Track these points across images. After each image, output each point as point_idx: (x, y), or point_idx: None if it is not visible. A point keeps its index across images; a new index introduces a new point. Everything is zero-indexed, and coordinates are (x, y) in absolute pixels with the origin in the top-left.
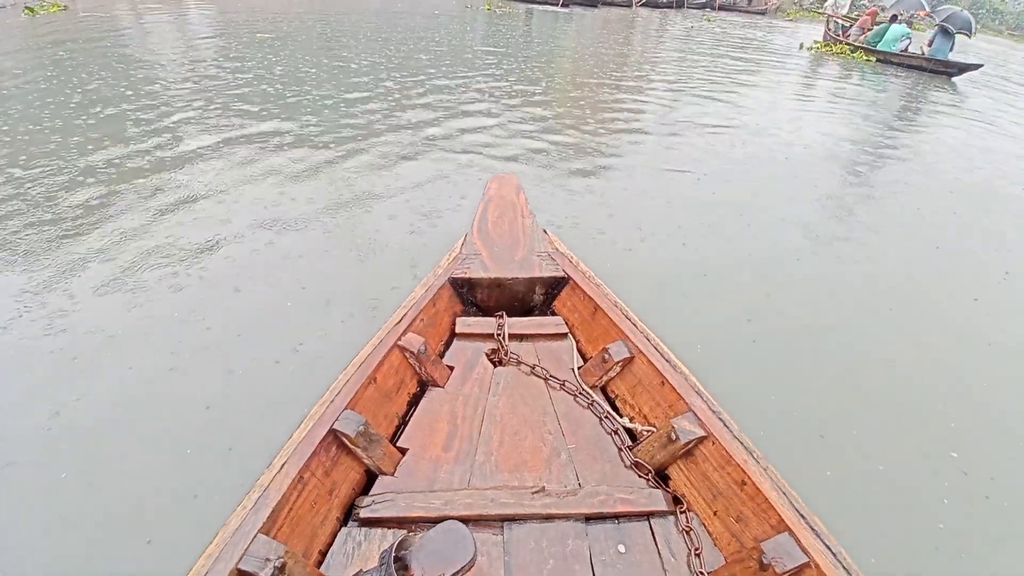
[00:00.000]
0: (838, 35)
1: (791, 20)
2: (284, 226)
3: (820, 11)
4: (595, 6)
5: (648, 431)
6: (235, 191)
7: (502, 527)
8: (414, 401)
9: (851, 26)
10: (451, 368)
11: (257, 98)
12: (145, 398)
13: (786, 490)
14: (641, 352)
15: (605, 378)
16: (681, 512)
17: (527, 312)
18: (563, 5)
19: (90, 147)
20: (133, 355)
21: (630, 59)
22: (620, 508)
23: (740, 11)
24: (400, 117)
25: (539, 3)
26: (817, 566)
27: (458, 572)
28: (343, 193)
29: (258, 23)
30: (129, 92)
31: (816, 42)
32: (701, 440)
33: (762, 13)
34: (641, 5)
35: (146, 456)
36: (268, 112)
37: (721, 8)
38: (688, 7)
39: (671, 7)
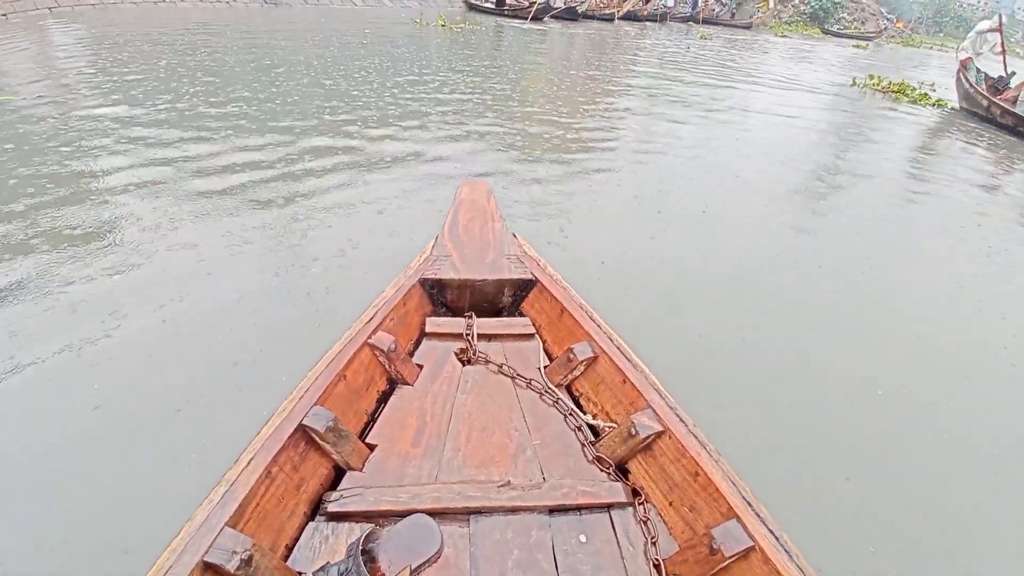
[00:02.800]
0: (979, 92)
1: (781, 35)
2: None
3: (808, 26)
4: (575, 19)
5: (610, 427)
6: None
7: (468, 520)
8: (383, 398)
9: (1010, 79)
10: (420, 367)
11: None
12: None
13: (735, 480)
14: (604, 352)
15: (570, 377)
16: (639, 503)
17: (496, 313)
18: (534, 19)
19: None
20: None
21: (628, 118)
22: (582, 500)
23: (724, 24)
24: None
25: (510, 17)
26: (761, 550)
27: (424, 564)
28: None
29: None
30: None
31: (891, 84)
32: (659, 435)
33: (747, 27)
34: (622, 18)
35: None
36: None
37: (705, 22)
38: (671, 20)
39: (654, 20)
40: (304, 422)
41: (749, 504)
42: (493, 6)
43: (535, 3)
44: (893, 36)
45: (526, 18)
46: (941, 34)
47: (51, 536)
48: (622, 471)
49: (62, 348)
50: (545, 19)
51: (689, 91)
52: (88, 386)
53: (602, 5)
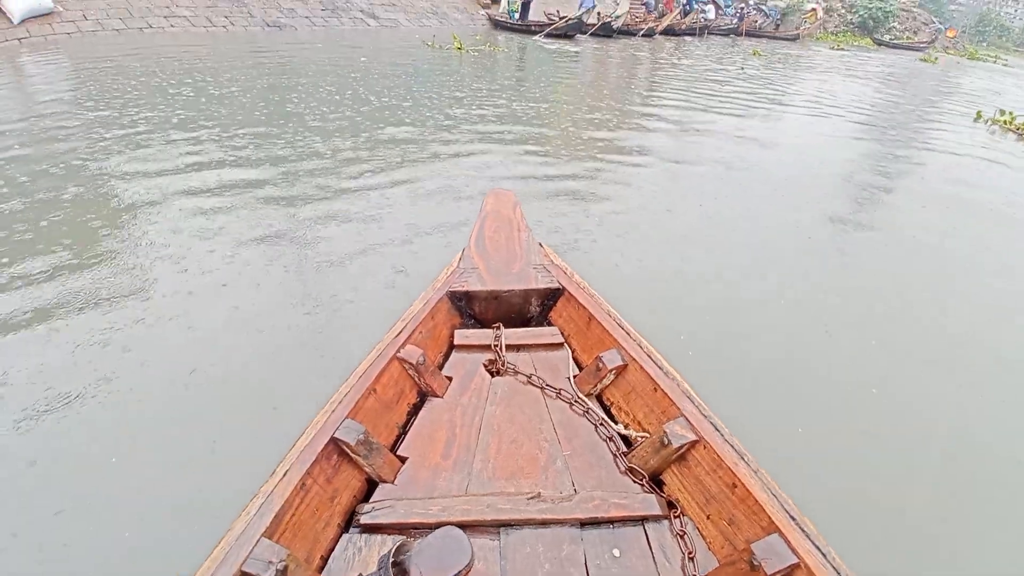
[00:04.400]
0: None
1: (837, 48)
2: None
3: (857, 36)
4: (610, 36)
5: (642, 437)
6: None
7: (499, 532)
8: (413, 411)
9: None
10: (449, 379)
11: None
12: None
13: (776, 492)
14: (634, 359)
15: (600, 386)
16: (675, 516)
17: (524, 323)
18: (565, 36)
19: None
20: None
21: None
22: (615, 513)
23: (768, 37)
24: None
25: (535, 34)
26: (807, 567)
27: None
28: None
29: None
30: None
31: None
32: (693, 444)
33: (793, 39)
34: (660, 32)
35: None
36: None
37: (748, 35)
38: (711, 33)
39: (692, 34)
40: (336, 435)
41: (792, 518)
42: (519, 23)
43: (566, 19)
44: (947, 46)
45: (555, 35)
46: (984, 43)
47: None
48: (656, 482)
49: None
50: (577, 37)
51: (770, 128)
52: None
53: (638, 19)
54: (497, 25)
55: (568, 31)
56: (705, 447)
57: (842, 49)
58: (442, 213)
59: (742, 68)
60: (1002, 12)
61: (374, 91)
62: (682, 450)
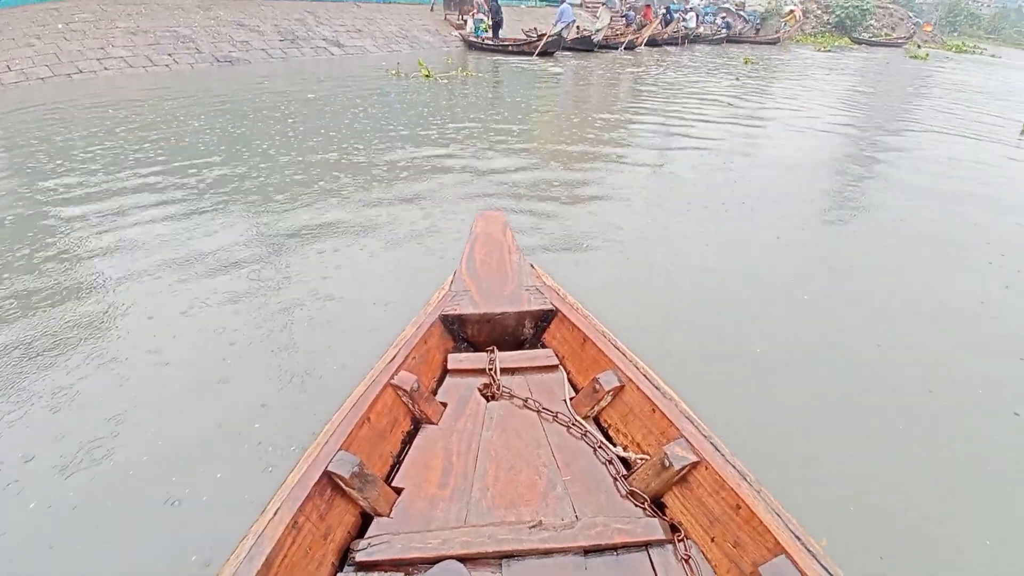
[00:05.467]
0: None
1: (824, 50)
2: None
3: (835, 36)
4: (590, 50)
5: (641, 459)
6: None
7: (500, 564)
8: (408, 439)
9: None
10: (444, 405)
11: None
12: None
13: (780, 512)
14: (631, 380)
15: (597, 408)
16: (679, 540)
17: (518, 346)
18: (544, 54)
19: None
20: None
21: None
22: (618, 539)
23: (749, 42)
24: None
25: (514, 54)
26: None
27: None
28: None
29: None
30: None
31: None
32: (694, 466)
33: (773, 43)
34: (644, 44)
35: None
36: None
37: (729, 41)
38: (692, 42)
39: (674, 44)
40: (329, 468)
41: (798, 539)
42: (493, 43)
43: (544, 36)
44: (925, 40)
45: (532, 53)
46: (955, 33)
47: None
48: (658, 505)
49: None
50: (557, 54)
51: (802, 150)
52: None
53: (618, 32)
54: (471, 46)
55: (547, 48)
56: (707, 468)
57: (828, 50)
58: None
59: (737, 79)
60: (970, 1)
61: (313, 136)
62: (683, 472)
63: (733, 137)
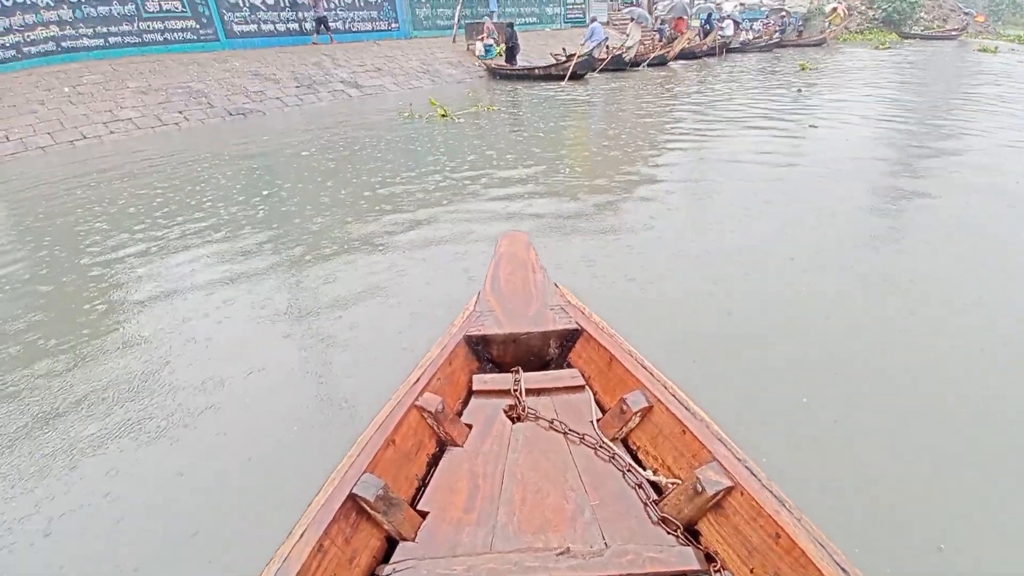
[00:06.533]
0: None
1: (883, 47)
2: None
3: (883, 32)
4: (622, 70)
5: (673, 483)
6: None
7: None
8: (433, 462)
9: None
10: (469, 426)
11: None
12: None
13: (824, 542)
14: (660, 401)
15: (625, 429)
16: (715, 571)
17: (543, 366)
18: (574, 77)
19: None
20: None
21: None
22: (649, 568)
23: (793, 45)
24: None
25: (541, 79)
26: None
27: None
28: None
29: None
30: None
31: None
32: (729, 491)
33: (819, 44)
34: (676, 58)
35: None
36: None
37: (771, 47)
38: (730, 51)
39: (712, 55)
40: (354, 491)
41: (844, 571)
42: (519, 69)
43: (573, 56)
44: (980, 31)
45: (562, 76)
46: (1000, 23)
47: None
48: (692, 533)
49: None
50: (587, 76)
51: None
52: None
53: (648, 49)
54: (496, 75)
55: (578, 70)
56: (742, 493)
57: (887, 47)
58: None
59: (799, 90)
60: None
61: (283, 218)
62: (717, 497)
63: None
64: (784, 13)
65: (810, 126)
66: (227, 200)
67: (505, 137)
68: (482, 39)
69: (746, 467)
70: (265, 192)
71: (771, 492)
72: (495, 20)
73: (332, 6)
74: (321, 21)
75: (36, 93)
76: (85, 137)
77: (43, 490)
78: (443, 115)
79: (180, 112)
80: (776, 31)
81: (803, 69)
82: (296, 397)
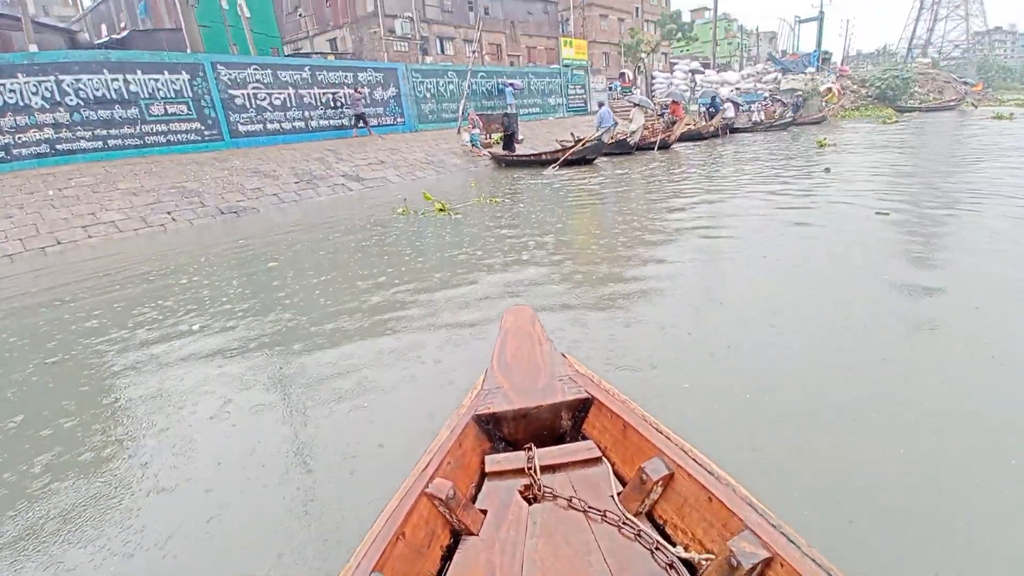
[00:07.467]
0: None
1: (890, 122)
2: None
3: (879, 107)
4: (629, 153)
5: (706, 560)
6: None
7: None
8: (447, 555)
9: None
10: (484, 512)
11: None
12: None
13: None
14: (680, 467)
15: (648, 502)
16: None
17: (557, 440)
18: (586, 162)
19: None
20: None
21: None
22: None
23: (793, 124)
24: None
25: (547, 165)
26: None
27: None
28: None
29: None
30: None
31: None
32: (767, 563)
33: (818, 122)
34: (681, 139)
35: None
36: None
37: (771, 127)
38: (733, 132)
39: (716, 136)
40: None
41: None
42: (526, 156)
43: (583, 141)
44: (979, 99)
45: (575, 161)
46: (990, 88)
47: None
48: None
49: None
50: (595, 162)
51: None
52: None
53: (652, 133)
54: (503, 163)
55: (587, 155)
56: (782, 564)
57: (895, 121)
58: None
59: (827, 169)
60: (994, 55)
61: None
62: (755, 571)
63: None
64: (799, 93)
65: (877, 213)
66: (164, 313)
67: (508, 233)
68: (468, 129)
69: (783, 534)
70: (193, 323)
71: (814, 560)
72: (509, 111)
73: (369, 103)
74: (360, 117)
75: (17, 197)
76: (59, 243)
77: None
78: (441, 209)
79: (168, 213)
80: (783, 109)
81: (821, 146)
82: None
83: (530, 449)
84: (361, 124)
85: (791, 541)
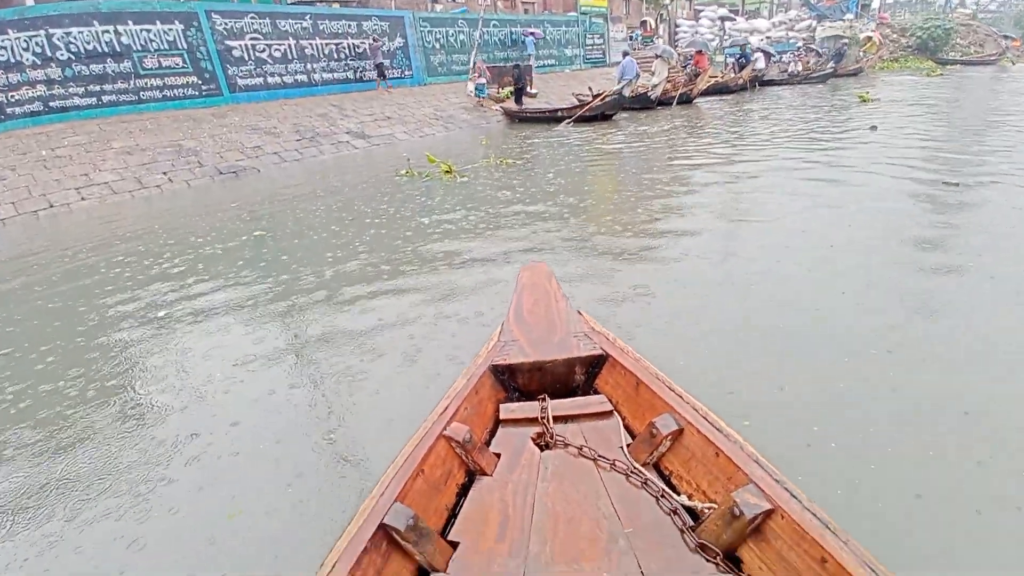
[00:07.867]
0: None
1: (935, 75)
2: None
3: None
4: (650, 108)
5: (709, 508)
6: None
7: None
8: (463, 491)
9: None
10: (498, 455)
11: None
12: None
13: (874, 565)
14: (690, 423)
15: (656, 454)
16: None
17: (570, 393)
18: (602, 117)
19: None
20: None
21: None
22: None
23: (829, 77)
24: None
25: (562, 121)
26: None
27: None
28: None
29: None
30: None
31: None
32: (768, 514)
33: (855, 74)
34: (708, 92)
35: None
36: None
37: (808, 79)
38: (763, 84)
39: (745, 89)
40: (385, 521)
41: None
42: (541, 112)
43: (601, 95)
44: (1019, 55)
45: (593, 116)
46: None
47: None
48: (732, 560)
49: None
50: (615, 118)
51: None
52: None
53: (674, 87)
54: (516, 119)
55: (606, 111)
56: (783, 516)
57: (940, 74)
58: None
59: (873, 127)
60: None
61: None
62: (757, 521)
63: None
64: (845, 40)
65: (945, 183)
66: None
67: (521, 203)
68: (474, 78)
69: (785, 488)
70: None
71: (814, 514)
72: (528, 63)
73: (387, 54)
74: (379, 68)
75: (10, 158)
76: (52, 206)
77: None
78: (447, 171)
79: (164, 173)
80: (819, 60)
81: (863, 101)
82: None
83: (544, 400)
84: (383, 76)
85: (793, 496)
